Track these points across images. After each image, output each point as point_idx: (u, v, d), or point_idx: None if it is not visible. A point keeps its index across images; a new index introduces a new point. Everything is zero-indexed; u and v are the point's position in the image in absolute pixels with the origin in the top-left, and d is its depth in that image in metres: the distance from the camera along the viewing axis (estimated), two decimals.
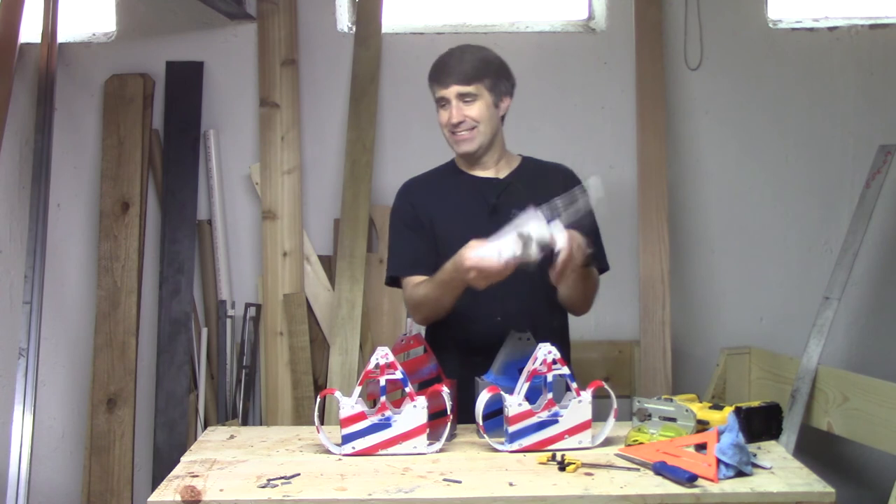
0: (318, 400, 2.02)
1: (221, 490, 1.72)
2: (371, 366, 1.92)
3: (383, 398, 1.91)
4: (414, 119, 3.43)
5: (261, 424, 3.39)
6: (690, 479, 1.68)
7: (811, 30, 3.52)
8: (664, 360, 3.25)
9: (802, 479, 1.74)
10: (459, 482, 1.74)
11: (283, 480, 1.76)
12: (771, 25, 3.51)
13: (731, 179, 3.52)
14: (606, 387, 1.96)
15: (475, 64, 2.24)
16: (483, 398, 1.91)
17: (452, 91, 2.22)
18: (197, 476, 1.79)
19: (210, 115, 3.51)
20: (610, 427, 1.96)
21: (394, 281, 2.32)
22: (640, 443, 1.91)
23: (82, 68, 3.51)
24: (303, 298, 3.41)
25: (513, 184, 2.30)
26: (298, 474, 1.79)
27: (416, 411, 1.92)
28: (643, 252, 3.31)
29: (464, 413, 2.04)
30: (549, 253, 1.98)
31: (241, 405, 3.39)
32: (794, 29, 3.52)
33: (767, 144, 3.51)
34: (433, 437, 1.94)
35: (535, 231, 1.94)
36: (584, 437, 1.92)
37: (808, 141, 3.51)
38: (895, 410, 2.68)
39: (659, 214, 3.33)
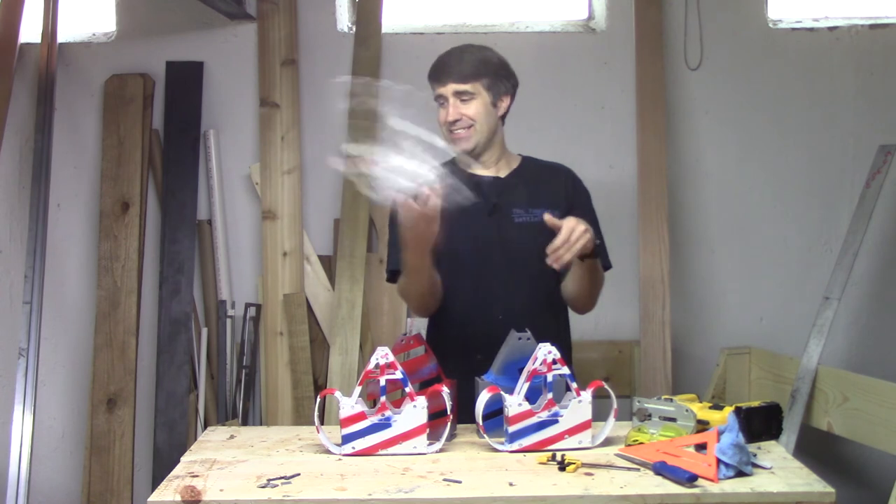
0: (318, 400, 2.02)
1: (221, 490, 1.72)
2: (371, 366, 1.92)
3: (383, 398, 1.91)
4: (414, 119, 3.42)
5: (261, 424, 3.39)
6: (690, 479, 1.68)
7: (811, 30, 3.52)
8: (664, 360, 3.25)
9: (802, 479, 1.74)
10: (459, 482, 1.74)
11: (283, 480, 1.75)
12: (771, 25, 3.51)
13: (731, 179, 3.52)
14: (606, 387, 1.96)
15: (473, 63, 2.25)
16: (483, 398, 1.91)
17: (449, 89, 2.23)
18: (197, 476, 1.79)
19: (210, 115, 3.51)
20: (610, 427, 1.96)
21: (394, 276, 2.32)
22: (640, 443, 1.91)
23: (82, 68, 3.51)
24: (303, 298, 3.41)
25: (512, 183, 2.30)
26: (298, 474, 1.79)
27: (416, 411, 1.92)
28: (643, 252, 3.31)
29: (464, 413, 2.04)
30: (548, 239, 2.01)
31: (241, 405, 3.39)
32: (794, 29, 3.52)
33: (767, 144, 3.51)
34: (433, 437, 1.94)
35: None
36: (584, 437, 1.92)
37: (808, 141, 3.51)
38: (895, 410, 2.68)
39: (659, 214, 3.33)
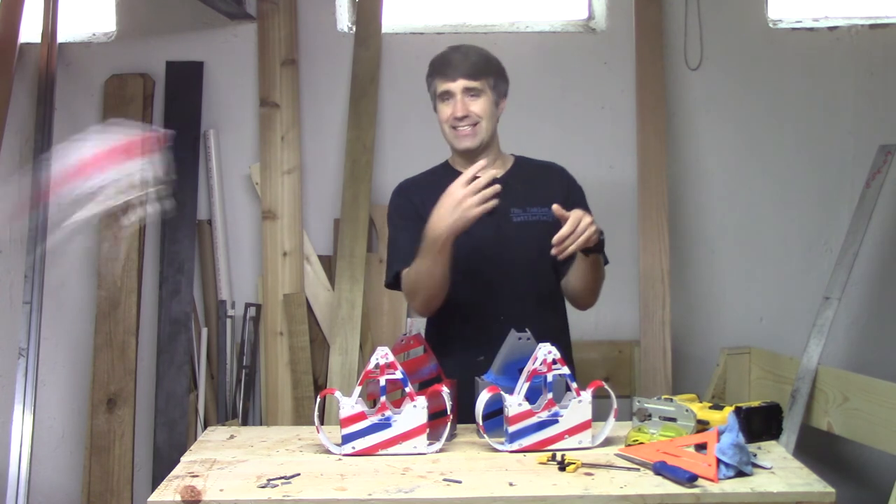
0: (318, 400, 2.02)
1: (221, 490, 1.72)
2: (371, 366, 1.92)
3: (383, 398, 1.91)
4: (414, 119, 3.42)
5: (261, 424, 3.39)
6: (690, 479, 1.68)
7: (811, 30, 3.52)
8: (664, 360, 3.25)
9: (802, 479, 1.74)
10: (459, 482, 1.74)
11: (283, 480, 1.75)
12: (771, 25, 3.51)
13: (731, 179, 3.52)
14: (606, 387, 1.96)
15: (481, 60, 2.26)
16: (483, 398, 1.91)
17: (459, 85, 2.23)
18: (197, 476, 1.79)
19: (210, 114, 3.51)
20: (610, 427, 1.96)
21: (395, 281, 2.31)
22: (640, 443, 1.91)
23: (82, 68, 3.51)
24: (303, 298, 3.41)
25: (509, 183, 2.30)
26: (298, 474, 1.79)
27: (416, 411, 1.92)
28: (643, 252, 3.31)
29: (464, 413, 2.04)
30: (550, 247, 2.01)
31: (241, 405, 3.39)
32: (794, 29, 3.52)
33: (767, 144, 3.51)
34: (433, 437, 1.94)
35: None
36: (584, 437, 1.92)
37: (808, 141, 3.51)
38: (895, 410, 2.68)
39: (659, 214, 3.33)
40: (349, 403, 1.91)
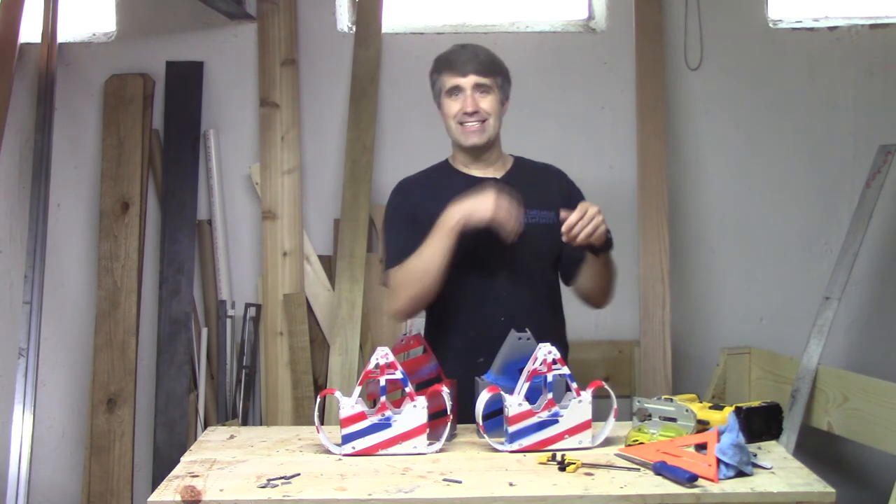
0: (318, 400, 2.02)
1: (221, 490, 1.72)
2: (371, 366, 1.92)
3: (383, 398, 1.91)
4: (414, 119, 3.43)
5: (261, 424, 3.39)
6: (691, 479, 1.68)
7: (811, 30, 3.52)
8: (664, 360, 3.25)
9: (802, 479, 1.74)
10: (459, 482, 1.74)
11: (283, 480, 1.75)
12: (771, 25, 3.51)
13: (731, 179, 3.52)
14: (606, 387, 1.96)
15: (491, 59, 2.28)
16: (483, 398, 1.91)
17: (470, 80, 2.23)
18: (197, 476, 1.79)
19: (210, 115, 3.51)
20: (610, 427, 1.96)
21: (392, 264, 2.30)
22: (641, 443, 1.91)
23: (82, 68, 3.51)
24: (303, 298, 3.41)
25: (509, 184, 2.30)
26: (298, 474, 1.79)
27: (416, 411, 1.92)
28: (643, 252, 3.31)
29: (464, 414, 2.04)
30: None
31: (241, 405, 3.39)
32: (794, 29, 3.52)
33: (767, 144, 3.51)
34: (433, 437, 1.94)
35: None
36: (584, 437, 1.92)
37: (808, 141, 3.51)
38: (895, 410, 2.68)
39: (659, 214, 3.33)
40: (349, 403, 1.91)
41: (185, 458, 1.92)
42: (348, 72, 3.47)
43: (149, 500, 1.69)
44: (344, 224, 3.37)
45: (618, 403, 1.96)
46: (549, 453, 1.86)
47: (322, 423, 1.99)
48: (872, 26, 3.51)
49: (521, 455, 1.89)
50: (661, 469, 1.74)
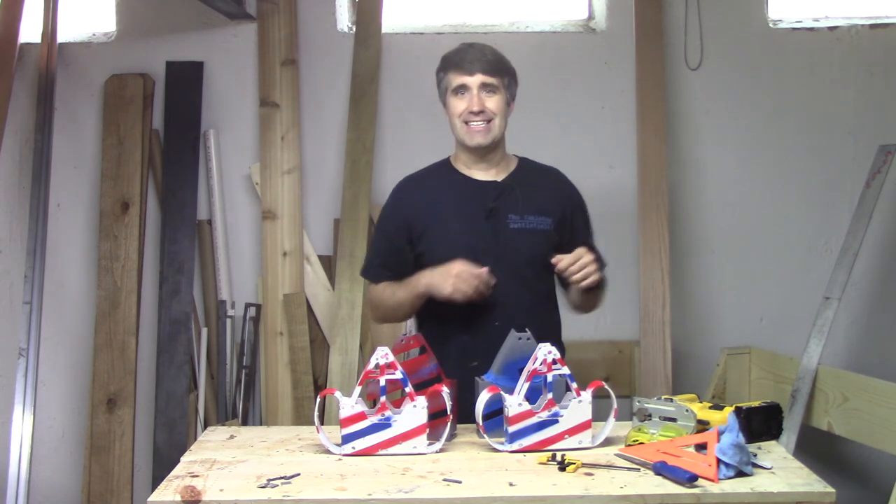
0: (318, 400, 2.02)
1: (221, 490, 1.72)
2: (371, 366, 1.92)
3: (383, 398, 1.91)
4: (414, 119, 3.42)
5: (261, 424, 3.39)
6: (691, 479, 1.68)
7: (811, 30, 3.52)
8: (664, 360, 3.25)
9: (803, 479, 1.74)
10: (459, 482, 1.74)
11: (283, 480, 1.76)
12: (771, 25, 3.51)
13: (731, 179, 3.52)
14: (606, 387, 1.96)
15: (499, 59, 2.28)
16: (483, 398, 1.91)
17: (477, 79, 2.23)
18: (197, 476, 1.79)
19: (210, 115, 3.51)
20: (610, 427, 1.96)
21: (366, 276, 2.44)
22: (641, 443, 1.91)
23: (82, 68, 3.51)
24: (303, 298, 3.41)
25: (509, 186, 2.30)
26: (298, 474, 1.79)
27: (416, 411, 1.92)
28: (643, 252, 3.31)
29: (463, 415, 2.04)
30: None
31: (241, 405, 3.39)
32: (794, 29, 3.52)
33: (767, 144, 3.51)
34: (433, 437, 1.94)
35: None
36: (584, 437, 1.92)
37: (808, 141, 3.51)
38: (895, 410, 2.68)
39: (659, 214, 3.33)
40: (349, 403, 1.91)
41: (185, 458, 1.93)
42: (348, 72, 3.47)
43: (149, 500, 1.69)
44: (344, 224, 3.37)
45: (618, 403, 1.96)
46: (549, 453, 1.86)
47: (322, 423, 1.99)
48: (872, 26, 3.51)
49: (521, 455, 1.89)
50: (661, 469, 1.74)
